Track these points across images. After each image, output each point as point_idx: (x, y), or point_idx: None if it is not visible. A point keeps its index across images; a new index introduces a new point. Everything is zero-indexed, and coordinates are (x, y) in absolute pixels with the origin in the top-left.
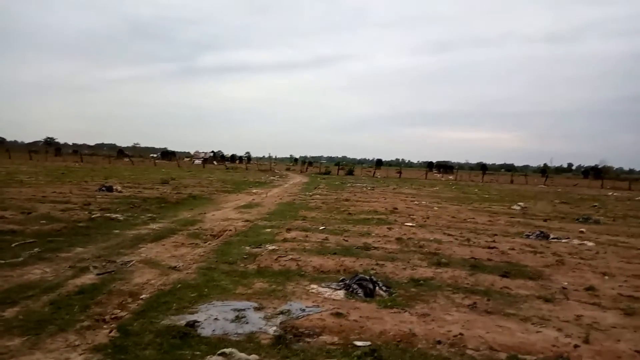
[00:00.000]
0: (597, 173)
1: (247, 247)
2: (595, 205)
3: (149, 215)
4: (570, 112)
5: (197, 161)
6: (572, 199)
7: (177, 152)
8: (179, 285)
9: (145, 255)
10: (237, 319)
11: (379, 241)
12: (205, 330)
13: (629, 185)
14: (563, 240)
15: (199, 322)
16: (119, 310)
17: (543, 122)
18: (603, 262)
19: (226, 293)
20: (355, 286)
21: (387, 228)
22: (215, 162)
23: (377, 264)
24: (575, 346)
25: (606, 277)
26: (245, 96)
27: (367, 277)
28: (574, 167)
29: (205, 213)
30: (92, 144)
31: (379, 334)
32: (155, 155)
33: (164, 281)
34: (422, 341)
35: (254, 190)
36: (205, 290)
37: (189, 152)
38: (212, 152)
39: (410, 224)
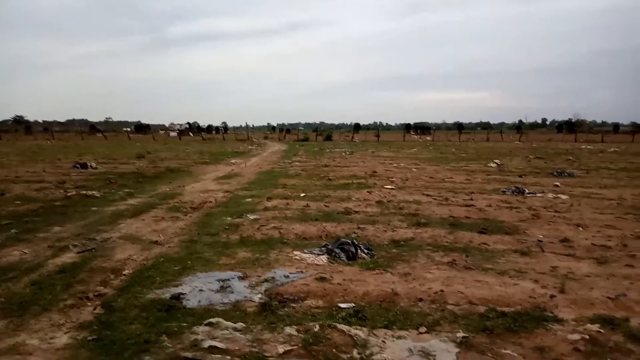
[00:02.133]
0: (570, 127)
1: (229, 218)
2: (569, 159)
3: (127, 190)
4: (544, 70)
5: (172, 134)
6: (546, 153)
7: (152, 125)
8: (162, 259)
9: (125, 231)
10: (222, 289)
11: (359, 205)
12: (191, 302)
13: (602, 138)
14: (538, 195)
15: (184, 294)
16: (102, 287)
17: (518, 80)
18: (577, 214)
19: (210, 264)
20: (337, 250)
21: (367, 192)
22: (191, 134)
23: (358, 228)
24: (552, 296)
25: (580, 229)
26: (220, 66)
27: (349, 241)
28: (548, 123)
29: (184, 186)
30: (62, 120)
31: (362, 295)
32: (129, 129)
33: (146, 256)
34: (404, 300)
35: (233, 161)
36: (188, 262)
37: (164, 125)
38: (188, 123)
39: (389, 187)
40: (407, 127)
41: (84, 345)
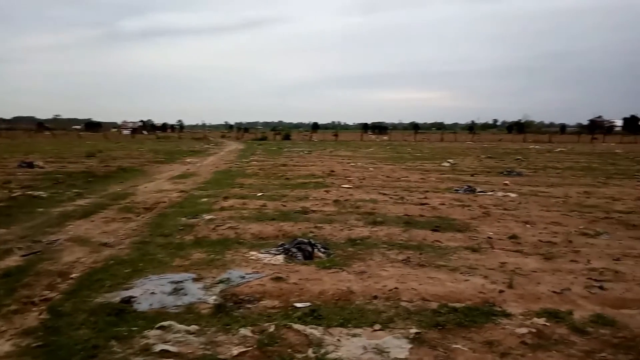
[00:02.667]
0: (520, 128)
1: (183, 218)
2: (518, 159)
3: (76, 190)
4: (495, 71)
5: (125, 132)
6: (497, 153)
7: (103, 123)
8: (112, 262)
9: (73, 232)
10: (175, 291)
11: (316, 204)
12: (142, 305)
13: (549, 138)
14: (488, 193)
15: (134, 297)
16: (49, 292)
17: (471, 81)
18: (525, 211)
19: (162, 266)
20: (294, 250)
21: (325, 191)
22: (145, 132)
23: (315, 227)
24: (500, 291)
25: (527, 226)
26: (175, 62)
27: (306, 240)
28: (499, 123)
29: (136, 185)
30: (8, 117)
31: (318, 294)
32: (79, 127)
33: (96, 258)
34: (360, 297)
35: (188, 160)
36: (140, 264)
37: (116, 123)
38: (142, 121)
39: (347, 186)
40: (364, 127)
41: (27, 352)
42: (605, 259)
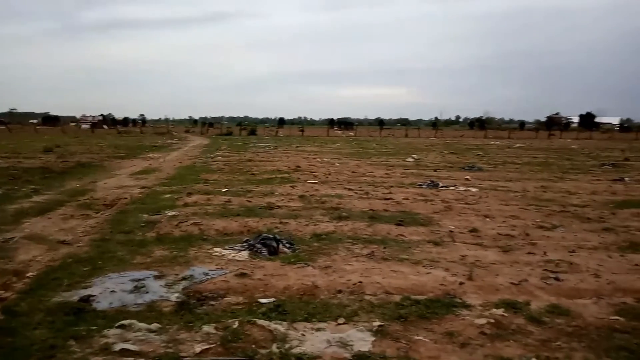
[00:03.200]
0: (481, 124)
1: (145, 215)
2: (479, 154)
3: (32, 187)
4: (457, 68)
5: (84, 126)
6: (459, 149)
7: (62, 117)
8: (70, 260)
9: (29, 230)
10: (136, 289)
11: (282, 200)
12: (102, 304)
13: (509, 134)
14: (451, 188)
15: (93, 296)
16: (3, 291)
17: (433, 77)
18: (485, 205)
19: (123, 264)
20: (259, 246)
21: (290, 186)
22: (105, 127)
23: (280, 223)
24: (461, 283)
25: (487, 219)
26: (138, 55)
27: (271, 236)
28: (461, 119)
29: (96, 181)
30: None
31: (283, 289)
32: (35, 121)
33: (53, 256)
34: (324, 292)
35: (151, 155)
36: (99, 262)
37: (75, 117)
38: (102, 115)
39: (312, 181)
40: (330, 123)
41: None
42: (560, 251)
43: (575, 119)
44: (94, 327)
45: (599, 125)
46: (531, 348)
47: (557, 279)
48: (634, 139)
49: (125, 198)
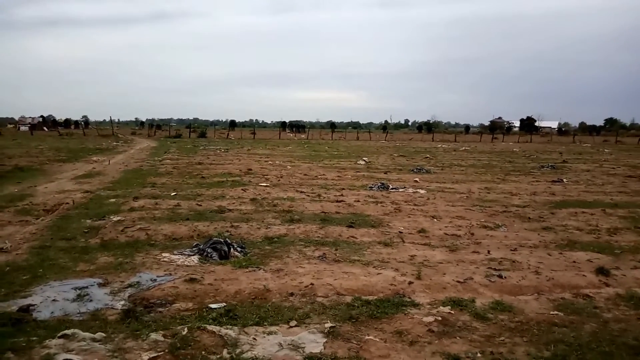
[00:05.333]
0: (429, 128)
1: (89, 221)
2: (427, 157)
3: None
4: (406, 73)
5: (23, 128)
6: (408, 152)
7: None
8: (8, 268)
9: None
10: (80, 297)
11: (233, 203)
12: (42, 314)
13: (455, 138)
14: (400, 190)
15: (34, 305)
16: None
17: (384, 82)
18: (432, 207)
19: (65, 271)
20: (209, 250)
21: (242, 189)
22: (46, 129)
23: (232, 226)
24: (410, 283)
25: (435, 220)
26: (80, 55)
27: (222, 240)
28: (410, 123)
29: (36, 186)
30: None
31: (234, 294)
32: None
33: None
34: (276, 295)
35: (95, 158)
36: (39, 270)
37: (13, 118)
38: (42, 117)
39: (264, 184)
40: (282, 125)
41: None
42: (503, 249)
43: (517, 123)
44: (35, 338)
45: (538, 129)
46: (476, 344)
47: (500, 276)
48: (571, 142)
49: (67, 203)
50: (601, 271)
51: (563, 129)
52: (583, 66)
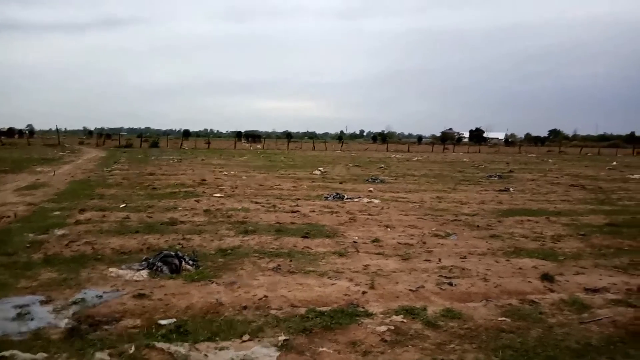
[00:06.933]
0: (383, 138)
1: (31, 234)
2: (382, 167)
3: None
4: (360, 83)
5: None
6: (363, 162)
7: None
8: None
9: None
10: (20, 316)
11: (186, 215)
12: None
13: (408, 148)
14: (355, 200)
15: None
16: None
17: (339, 91)
18: (386, 216)
19: (5, 289)
20: (159, 264)
21: (195, 200)
22: None
23: (184, 239)
24: (363, 292)
25: (388, 229)
26: (24, 60)
27: (173, 253)
28: (365, 133)
29: None
30: None
31: (185, 309)
32: None
33: None
34: (229, 309)
35: (39, 169)
36: None
37: None
38: None
39: (218, 195)
40: (238, 135)
41: None
42: (453, 257)
43: (466, 134)
44: None
45: (487, 140)
46: (428, 352)
47: (450, 284)
48: (517, 152)
49: (9, 216)
50: (546, 277)
51: (510, 139)
52: (529, 77)
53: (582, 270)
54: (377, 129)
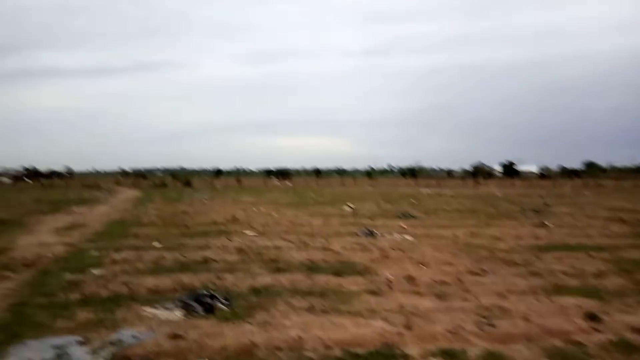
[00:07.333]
0: (413, 173)
1: (69, 275)
2: (412, 202)
3: None
4: (389, 119)
5: (4, 179)
6: (393, 197)
7: None
8: None
9: None
10: (58, 357)
11: (218, 253)
12: None
13: (438, 183)
14: (387, 236)
15: None
16: None
17: (368, 128)
18: (419, 253)
19: (43, 329)
20: (193, 304)
21: (227, 239)
22: (28, 180)
23: (217, 277)
24: (399, 333)
25: (422, 267)
26: (60, 105)
27: (206, 292)
28: (394, 169)
29: (15, 239)
30: None
31: (219, 349)
32: None
33: None
34: (263, 350)
35: (77, 210)
36: (16, 329)
37: None
38: (25, 168)
39: (250, 233)
40: (268, 173)
41: None
42: (491, 296)
43: (498, 168)
44: None
45: (519, 173)
46: None
47: (490, 324)
48: (552, 186)
49: (48, 256)
50: (590, 316)
51: (544, 173)
52: (557, 109)
53: (628, 308)
54: (405, 164)
